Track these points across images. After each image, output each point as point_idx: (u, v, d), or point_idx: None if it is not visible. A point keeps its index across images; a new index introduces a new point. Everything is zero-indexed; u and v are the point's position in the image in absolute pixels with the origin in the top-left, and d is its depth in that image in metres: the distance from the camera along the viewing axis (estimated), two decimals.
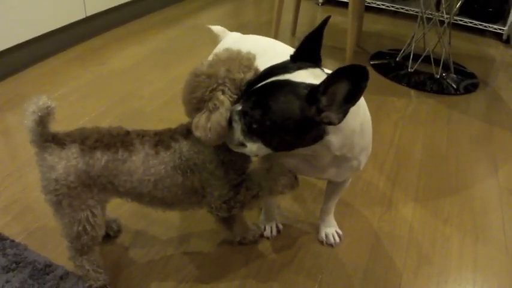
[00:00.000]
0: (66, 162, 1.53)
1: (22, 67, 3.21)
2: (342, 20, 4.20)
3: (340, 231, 2.03)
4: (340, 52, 3.55)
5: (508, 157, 2.62)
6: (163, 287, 1.76)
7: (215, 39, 2.04)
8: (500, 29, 4.35)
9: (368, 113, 1.55)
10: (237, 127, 1.40)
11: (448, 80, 3.38)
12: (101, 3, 3.72)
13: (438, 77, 3.38)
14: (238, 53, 1.51)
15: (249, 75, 1.45)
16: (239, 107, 1.38)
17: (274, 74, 1.35)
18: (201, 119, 1.43)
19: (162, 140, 1.59)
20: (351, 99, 1.26)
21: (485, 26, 4.42)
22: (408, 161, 2.49)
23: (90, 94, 2.95)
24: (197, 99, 1.44)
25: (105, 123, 2.55)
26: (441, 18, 3.40)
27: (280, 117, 1.31)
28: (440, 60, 3.38)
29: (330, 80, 1.25)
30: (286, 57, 1.45)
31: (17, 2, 3.00)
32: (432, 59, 3.39)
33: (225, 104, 1.40)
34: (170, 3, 4.66)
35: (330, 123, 1.31)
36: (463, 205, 2.26)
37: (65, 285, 1.68)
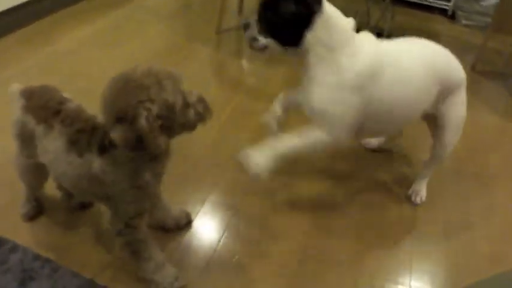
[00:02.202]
0: (16, 111, 1.67)
1: None
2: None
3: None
4: None
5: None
6: None
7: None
8: (445, 5, 4.44)
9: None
10: (253, 27, 1.84)
11: None
12: None
13: None
14: (173, 71, 1.44)
15: (179, 101, 1.40)
16: (254, 17, 1.83)
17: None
18: (129, 137, 1.34)
19: (79, 141, 1.52)
20: None
21: (430, 2, 4.50)
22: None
23: (38, 75, 2.95)
24: (119, 108, 1.34)
25: None
26: None
27: (284, 14, 1.73)
28: (383, 35, 3.44)
29: None
30: None
31: None
32: (375, 34, 3.44)
33: (143, 129, 1.32)
34: None
35: (314, 12, 1.71)
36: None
37: (15, 257, 1.73)
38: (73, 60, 3.16)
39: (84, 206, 2.01)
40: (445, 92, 1.94)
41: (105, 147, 1.46)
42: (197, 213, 2.04)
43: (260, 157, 1.81)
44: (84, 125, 1.54)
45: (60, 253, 1.79)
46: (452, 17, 4.42)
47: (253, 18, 1.83)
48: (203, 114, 1.48)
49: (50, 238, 1.85)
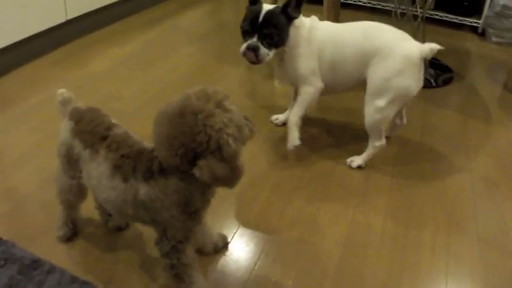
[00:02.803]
0: (63, 132, 1.71)
1: (4, 71, 3.24)
2: (319, 17, 4.26)
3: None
4: None
5: (481, 148, 2.68)
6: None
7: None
8: (475, 23, 4.41)
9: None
10: (262, 48, 2.33)
11: (424, 75, 3.43)
12: (82, 7, 3.75)
13: None
14: (220, 90, 1.42)
15: (236, 112, 1.39)
16: (254, 39, 2.32)
17: (256, 14, 2.31)
18: (217, 167, 1.34)
19: (123, 166, 1.53)
20: (299, 5, 2.33)
21: (460, 20, 4.48)
22: (383, 152, 2.54)
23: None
24: (196, 142, 1.32)
25: None
26: (415, 13, 3.46)
27: (282, 27, 2.33)
28: None
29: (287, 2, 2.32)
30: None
31: None
32: None
33: (232, 155, 1.35)
34: (149, 6, 4.69)
35: (295, 18, 2.37)
36: (436, 195, 2.32)
37: (53, 279, 1.73)
38: (105, 82, 3.20)
39: (120, 229, 2.02)
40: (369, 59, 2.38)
41: (152, 174, 1.48)
42: (233, 235, 2.04)
43: (290, 132, 2.49)
44: (129, 150, 1.55)
45: (98, 276, 1.80)
46: (482, 34, 4.39)
47: (254, 40, 2.33)
48: (253, 131, 1.50)
49: (87, 260, 1.86)
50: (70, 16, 3.63)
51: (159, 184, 1.47)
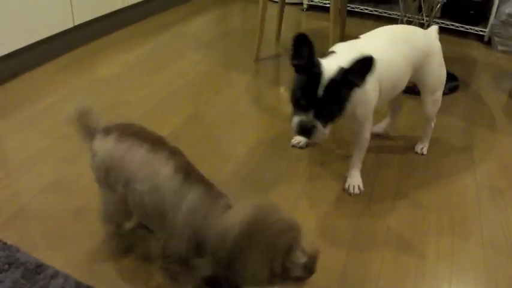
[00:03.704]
0: (103, 148, 1.71)
1: (11, 76, 3.25)
2: (326, 26, 4.28)
3: (362, 187, 2.38)
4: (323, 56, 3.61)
5: (486, 156, 2.68)
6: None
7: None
8: (481, 31, 4.41)
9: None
10: (319, 127, 1.92)
11: None
12: (89, 12, 3.77)
13: None
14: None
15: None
16: (310, 115, 1.91)
17: (315, 82, 1.88)
18: None
19: None
20: (365, 74, 1.86)
21: (466, 28, 4.48)
22: (388, 159, 2.55)
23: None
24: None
25: None
26: (421, 21, 3.47)
27: (345, 101, 1.94)
28: None
29: (351, 66, 1.86)
30: None
31: (6, 12, 3.06)
32: None
33: None
34: (157, 12, 4.70)
35: (358, 86, 1.91)
36: (441, 202, 2.32)
37: (56, 283, 1.73)
38: (112, 88, 3.21)
39: None
40: (422, 62, 2.36)
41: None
42: None
43: (353, 179, 2.37)
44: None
45: (102, 281, 1.80)
46: (488, 43, 4.39)
47: (310, 118, 1.92)
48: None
49: (91, 265, 1.86)
50: (77, 22, 3.64)
51: None
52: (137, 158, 1.61)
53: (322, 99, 1.88)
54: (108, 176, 1.70)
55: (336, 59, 1.97)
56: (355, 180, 2.37)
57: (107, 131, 1.71)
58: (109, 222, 1.86)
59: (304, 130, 1.95)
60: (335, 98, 1.90)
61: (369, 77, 1.88)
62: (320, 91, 1.87)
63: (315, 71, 1.90)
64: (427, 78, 2.42)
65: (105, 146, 1.69)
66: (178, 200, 1.52)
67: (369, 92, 2.10)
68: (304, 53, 1.92)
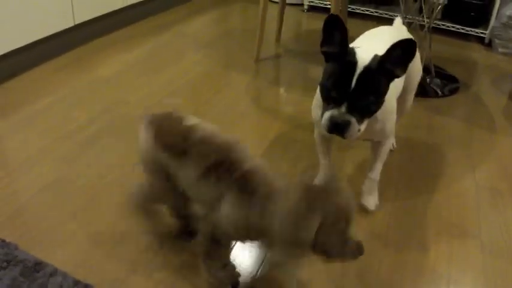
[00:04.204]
0: (144, 142, 1.73)
1: (11, 75, 3.26)
2: None
3: (377, 202, 2.24)
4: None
5: (486, 157, 2.68)
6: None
7: None
8: (482, 33, 4.42)
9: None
10: (353, 123, 1.70)
11: (431, 84, 3.45)
12: (89, 12, 3.77)
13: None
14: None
15: None
16: (343, 110, 1.69)
17: (349, 72, 1.67)
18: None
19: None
20: (406, 61, 1.69)
21: (467, 30, 4.48)
22: (388, 160, 2.55)
23: (79, 101, 3.00)
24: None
25: (95, 129, 2.64)
26: (422, 23, 3.47)
27: (381, 93, 1.72)
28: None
29: (389, 50, 1.66)
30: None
31: (6, 11, 3.06)
32: None
33: None
34: (157, 12, 4.71)
35: (398, 77, 1.73)
36: (440, 203, 2.31)
37: (55, 281, 1.73)
38: (111, 88, 3.21)
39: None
40: None
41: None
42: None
43: (371, 197, 2.21)
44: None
45: (100, 279, 1.80)
46: (489, 45, 4.39)
47: (342, 112, 1.69)
48: None
49: (89, 263, 1.86)
50: (78, 21, 3.64)
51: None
52: (175, 167, 1.65)
53: (356, 91, 1.66)
54: (152, 165, 1.75)
55: (370, 48, 1.77)
56: (372, 196, 2.25)
57: (149, 122, 1.74)
58: (147, 205, 1.89)
59: (337, 126, 1.71)
60: (371, 89, 1.69)
61: (410, 63, 1.72)
62: (354, 82, 1.66)
63: (348, 59, 1.70)
64: (413, 75, 2.31)
65: (145, 143, 1.72)
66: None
67: (392, 103, 1.97)
68: (336, 39, 1.72)
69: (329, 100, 1.73)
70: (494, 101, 3.34)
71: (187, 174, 1.61)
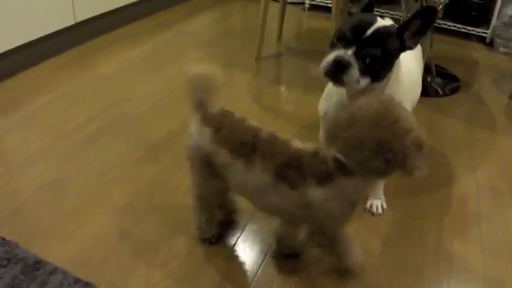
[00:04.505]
0: (199, 138, 1.69)
1: (12, 73, 3.25)
2: (328, 26, 4.28)
3: (385, 205, 2.25)
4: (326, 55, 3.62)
5: (487, 157, 2.68)
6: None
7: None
8: (483, 33, 4.41)
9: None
10: (355, 68, 1.67)
11: (432, 84, 3.44)
12: (90, 10, 3.76)
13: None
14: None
15: None
16: (349, 52, 1.68)
17: (367, 23, 1.69)
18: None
19: (288, 175, 1.55)
20: (422, 31, 1.72)
21: (468, 30, 4.47)
22: None
23: (79, 99, 3.00)
24: (400, 147, 1.42)
25: (95, 127, 2.64)
26: None
27: (391, 53, 1.74)
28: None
29: (408, 20, 1.70)
30: None
31: (7, 9, 3.06)
32: None
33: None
34: (159, 10, 4.70)
35: (410, 49, 1.76)
36: (441, 203, 2.31)
37: (55, 279, 1.73)
38: (113, 85, 3.21)
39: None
40: None
41: (330, 175, 1.52)
42: (237, 239, 2.04)
43: (377, 201, 2.23)
44: (285, 158, 1.58)
45: (100, 277, 1.80)
46: (490, 44, 4.38)
47: (348, 53, 1.68)
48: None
49: (89, 262, 1.86)
50: (79, 19, 3.64)
51: (340, 185, 1.52)
52: (238, 168, 1.64)
53: (368, 39, 1.67)
54: (203, 164, 1.73)
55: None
56: (379, 199, 2.26)
57: (204, 118, 1.72)
58: (200, 202, 1.87)
59: (338, 66, 1.69)
60: (382, 44, 1.69)
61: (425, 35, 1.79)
62: (370, 31, 1.67)
63: (369, 16, 1.76)
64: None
65: (201, 138, 1.70)
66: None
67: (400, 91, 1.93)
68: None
69: (337, 43, 1.73)
70: (495, 101, 3.34)
71: (255, 176, 1.60)
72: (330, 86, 2.03)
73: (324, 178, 1.52)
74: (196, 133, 1.70)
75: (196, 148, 1.69)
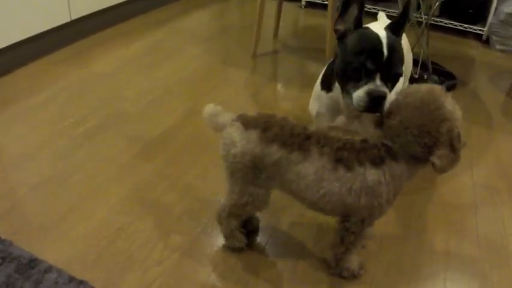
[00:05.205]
0: (246, 143, 1.66)
1: (7, 70, 3.24)
2: (324, 23, 4.27)
3: None
4: (322, 53, 3.61)
5: (483, 154, 2.68)
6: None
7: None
8: (480, 30, 4.41)
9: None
10: (388, 93, 1.63)
11: (428, 81, 3.44)
12: (86, 7, 3.75)
13: (417, 77, 3.43)
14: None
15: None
16: (378, 82, 1.62)
17: (377, 42, 1.63)
18: (451, 157, 1.49)
19: (345, 158, 1.58)
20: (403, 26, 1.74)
21: (465, 27, 4.47)
22: None
23: (75, 96, 2.99)
24: (436, 133, 1.47)
25: (91, 124, 2.63)
26: (419, 20, 3.46)
27: (402, 60, 1.70)
28: (418, 61, 3.44)
29: (403, 21, 1.74)
30: None
31: (3, 6, 3.04)
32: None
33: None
34: (154, 7, 4.69)
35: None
36: (437, 201, 2.31)
37: (50, 278, 1.73)
38: (109, 82, 3.20)
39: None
40: None
41: (382, 159, 1.58)
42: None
43: None
44: (339, 143, 1.62)
45: (95, 276, 1.80)
46: (486, 41, 4.39)
47: (378, 84, 1.62)
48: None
49: (84, 260, 1.86)
50: (74, 16, 3.63)
51: (390, 168, 1.58)
52: (292, 161, 1.65)
53: (388, 60, 1.61)
54: (250, 171, 1.71)
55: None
56: None
57: (247, 123, 1.71)
58: (239, 210, 1.85)
59: (377, 100, 1.61)
60: (400, 57, 1.67)
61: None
62: (385, 50, 1.60)
63: (369, 31, 1.68)
64: (407, 64, 2.22)
65: (248, 143, 1.68)
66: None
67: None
68: (352, 15, 1.70)
69: (360, 74, 1.63)
70: (491, 98, 3.34)
71: (312, 163, 1.62)
72: (317, 89, 2.01)
73: (377, 161, 1.58)
74: (240, 139, 1.68)
75: (243, 154, 1.67)
